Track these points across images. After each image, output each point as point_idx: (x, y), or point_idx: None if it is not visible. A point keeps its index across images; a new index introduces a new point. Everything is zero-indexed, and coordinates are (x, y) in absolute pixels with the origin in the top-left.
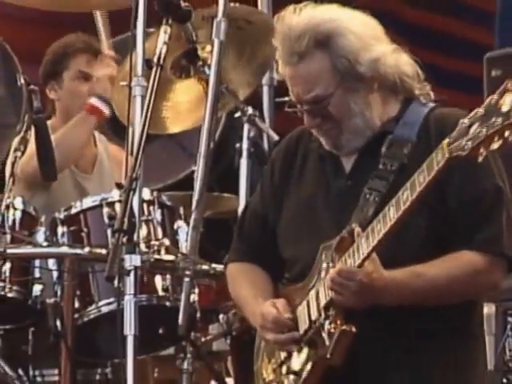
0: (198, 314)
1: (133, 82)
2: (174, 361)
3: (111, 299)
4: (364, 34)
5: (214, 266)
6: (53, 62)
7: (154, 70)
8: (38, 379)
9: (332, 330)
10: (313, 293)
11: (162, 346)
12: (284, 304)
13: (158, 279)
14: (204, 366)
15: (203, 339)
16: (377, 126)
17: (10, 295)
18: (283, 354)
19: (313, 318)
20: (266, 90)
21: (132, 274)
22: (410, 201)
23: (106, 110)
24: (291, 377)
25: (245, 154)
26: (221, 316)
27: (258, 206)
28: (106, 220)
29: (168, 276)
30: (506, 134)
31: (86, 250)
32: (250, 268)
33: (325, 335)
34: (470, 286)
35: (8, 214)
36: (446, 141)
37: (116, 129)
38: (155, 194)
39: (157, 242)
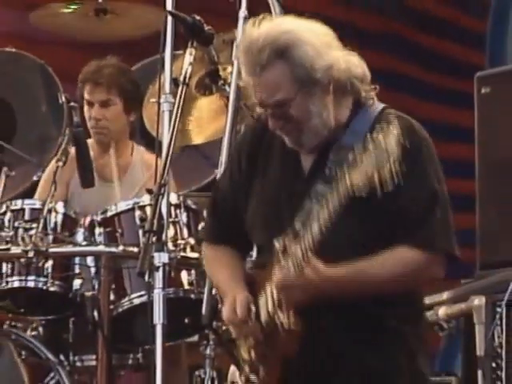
0: (220, 305)
1: (161, 98)
2: (198, 347)
3: (142, 292)
4: (317, 42)
5: None
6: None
7: (180, 88)
8: (78, 364)
9: (285, 323)
10: (269, 286)
11: (187, 334)
12: (243, 306)
13: (183, 274)
14: (225, 351)
15: (224, 328)
16: (332, 126)
17: (51, 289)
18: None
19: (269, 309)
20: None
21: (161, 270)
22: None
23: None
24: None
25: None
26: None
27: (229, 190)
28: (138, 222)
29: (193, 271)
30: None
31: (120, 248)
32: (224, 252)
33: (279, 327)
34: (408, 280)
35: (50, 217)
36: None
37: (147, 141)
38: (181, 198)
39: (183, 241)
